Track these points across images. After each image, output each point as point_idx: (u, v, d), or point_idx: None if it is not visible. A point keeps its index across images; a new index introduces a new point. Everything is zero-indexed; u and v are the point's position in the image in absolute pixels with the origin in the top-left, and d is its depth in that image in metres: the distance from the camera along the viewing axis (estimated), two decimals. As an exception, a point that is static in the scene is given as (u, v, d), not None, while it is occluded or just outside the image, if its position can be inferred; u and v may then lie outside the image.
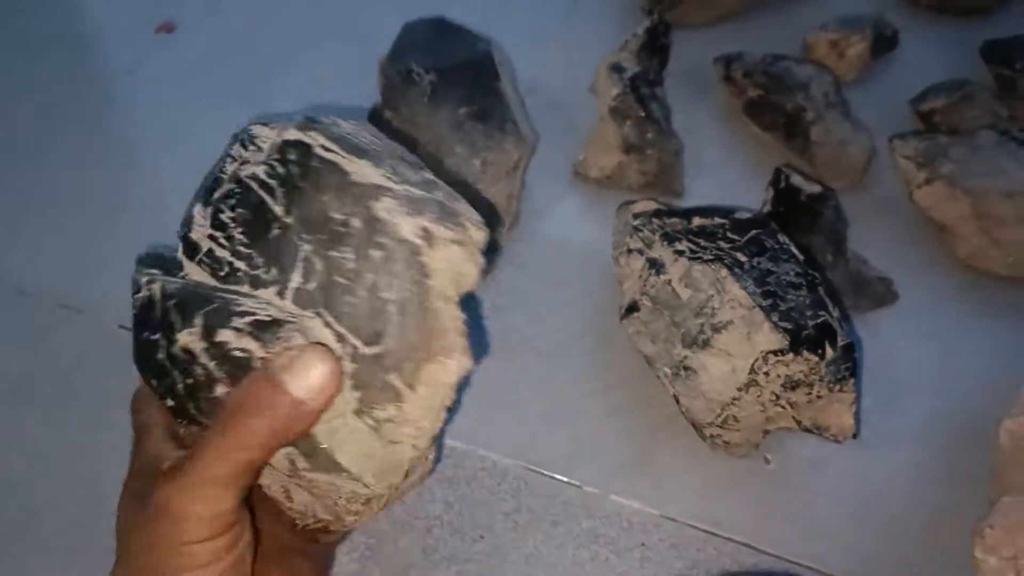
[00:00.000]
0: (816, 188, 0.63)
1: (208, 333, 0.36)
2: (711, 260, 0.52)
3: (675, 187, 0.69)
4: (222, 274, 0.37)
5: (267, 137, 0.39)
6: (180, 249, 0.39)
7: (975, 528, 0.48)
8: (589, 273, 0.65)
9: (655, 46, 0.70)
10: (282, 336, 0.35)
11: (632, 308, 0.57)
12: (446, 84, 0.62)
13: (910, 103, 0.75)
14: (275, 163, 0.38)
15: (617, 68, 0.67)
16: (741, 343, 0.50)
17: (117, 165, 0.75)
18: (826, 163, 0.69)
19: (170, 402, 0.37)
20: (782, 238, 0.54)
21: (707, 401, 0.52)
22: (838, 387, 0.50)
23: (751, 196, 0.68)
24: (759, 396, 0.50)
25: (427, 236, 0.36)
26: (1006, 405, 0.56)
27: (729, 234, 0.55)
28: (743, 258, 0.52)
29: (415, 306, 0.36)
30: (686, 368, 0.53)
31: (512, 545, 0.53)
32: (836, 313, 0.51)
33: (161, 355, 0.36)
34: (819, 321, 0.50)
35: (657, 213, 0.59)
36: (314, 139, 0.38)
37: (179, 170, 0.68)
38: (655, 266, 0.55)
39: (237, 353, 0.35)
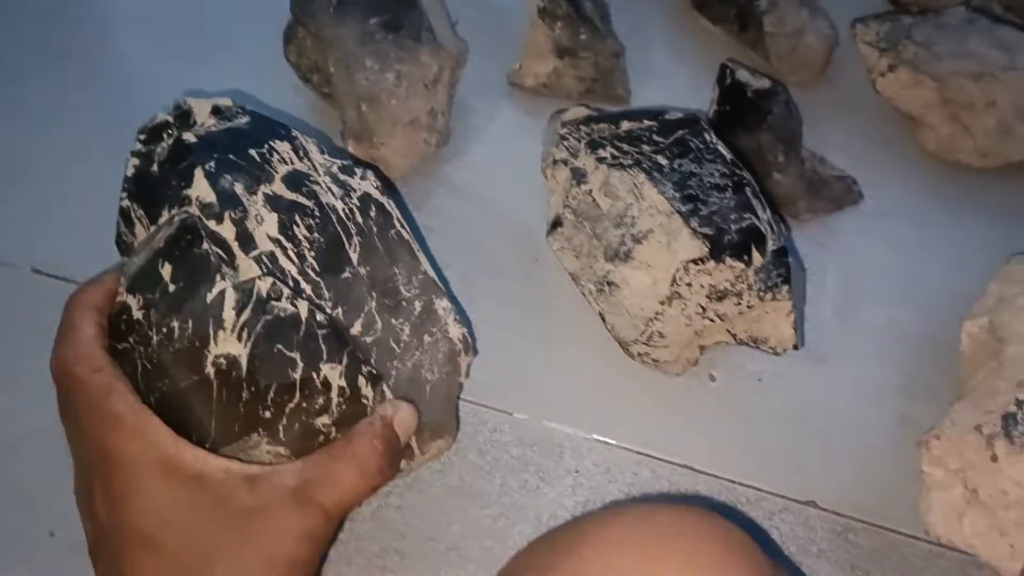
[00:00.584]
0: (764, 83, 0.58)
1: (350, 374, 0.41)
2: (630, 165, 0.48)
3: (618, 92, 0.64)
4: (271, 281, 0.40)
5: (312, 151, 0.45)
6: (216, 225, 0.41)
7: (921, 439, 0.44)
8: (523, 189, 0.60)
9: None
10: (383, 390, 0.42)
11: (556, 223, 0.53)
12: (352, -9, 0.57)
13: (878, -17, 0.68)
14: (356, 210, 0.44)
15: (543, -36, 0.62)
16: (661, 253, 0.46)
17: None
18: (782, 55, 0.64)
19: (267, 413, 0.39)
20: (710, 137, 0.49)
21: (631, 317, 0.48)
22: (770, 295, 0.46)
23: (703, 96, 0.63)
24: (684, 309, 0.46)
25: (464, 344, 0.46)
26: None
27: (655, 136, 0.50)
28: (663, 161, 0.48)
29: (443, 392, 0.45)
30: (609, 283, 0.49)
31: (434, 477, 0.51)
32: (766, 215, 0.47)
33: (295, 375, 0.39)
34: (744, 225, 0.45)
35: (587, 120, 0.54)
36: (393, 209, 0.46)
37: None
38: (577, 176, 0.51)
39: (363, 400, 0.41)
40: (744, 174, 0.48)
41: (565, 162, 0.52)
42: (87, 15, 0.72)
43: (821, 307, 0.57)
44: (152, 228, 0.43)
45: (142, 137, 0.45)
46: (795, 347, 0.48)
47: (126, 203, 0.44)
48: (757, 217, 0.46)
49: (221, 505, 0.37)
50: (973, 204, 0.60)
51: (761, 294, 0.45)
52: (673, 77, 0.67)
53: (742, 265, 0.45)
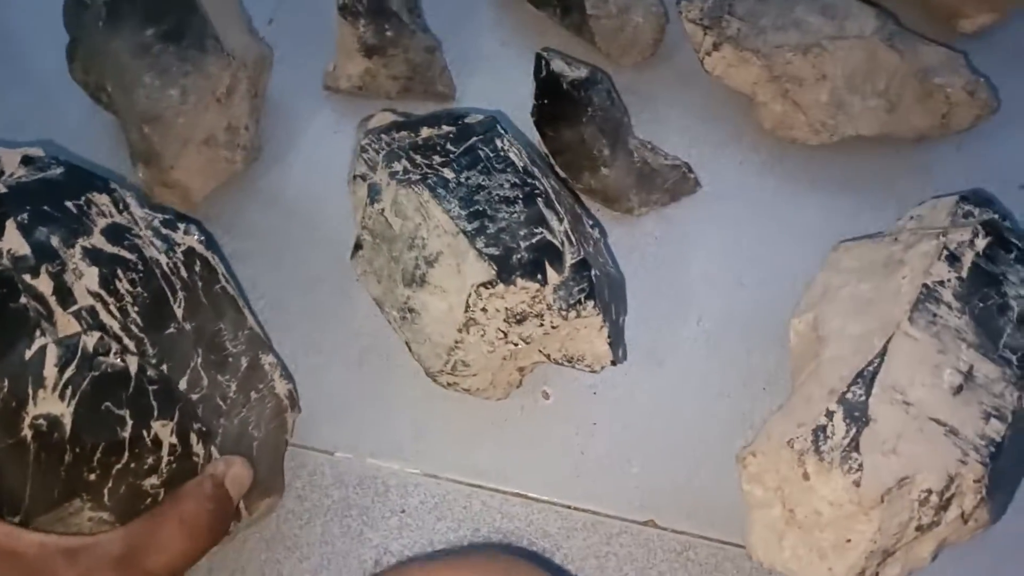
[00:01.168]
0: (581, 72, 0.54)
1: (181, 431, 0.40)
2: (416, 181, 0.44)
3: (439, 89, 0.60)
4: (98, 335, 0.38)
5: (141, 217, 0.44)
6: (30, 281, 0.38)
7: (739, 455, 0.42)
8: (340, 202, 0.56)
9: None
10: (213, 448, 0.41)
11: (357, 246, 0.49)
12: (123, 1, 0.52)
13: (708, -48, 0.65)
14: (180, 264, 0.43)
15: (342, -42, 0.57)
16: (452, 277, 0.42)
17: None
18: (608, 38, 0.60)
19: (91, 476, 0.37)
20: (501, 143, 0.46)
21: (433, 346, 0.45)
22: (573, 313, 0.42)
23: (532, 87, 0.59)
24: (483, 335, 0.43)
25: (291, 399, 0.46)
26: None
27: (448, 146, 0.46)
28: (450, 175, 0.44)
29: (270, 449, 0.45)
30: (410, 310, 0.45)
31: (248, 530, 0.47)
32: (563, 226, 0.43)
33: (124, 433, 0.38)
34: (535, 240, 0.42)
35: (390, 127, 0.50)
36: (218, 264, 0.45)
37: None
38: (372, 193, 0.47)
39: (194, 457, 0.40)
40: (538, 183, 0.44)
41: (364, 177, 0.48)
42: None
43: (657, 306, 0.54)
44: None
45: None
46: (613, 363, 0.45)
47: None
48: (550, 230, 0.42)
49: None
50: (811, 183, 0.58)
51: (564, 313, 0.42)
52: (501, 68, 0.63)
53: (536, 285, 0.41)
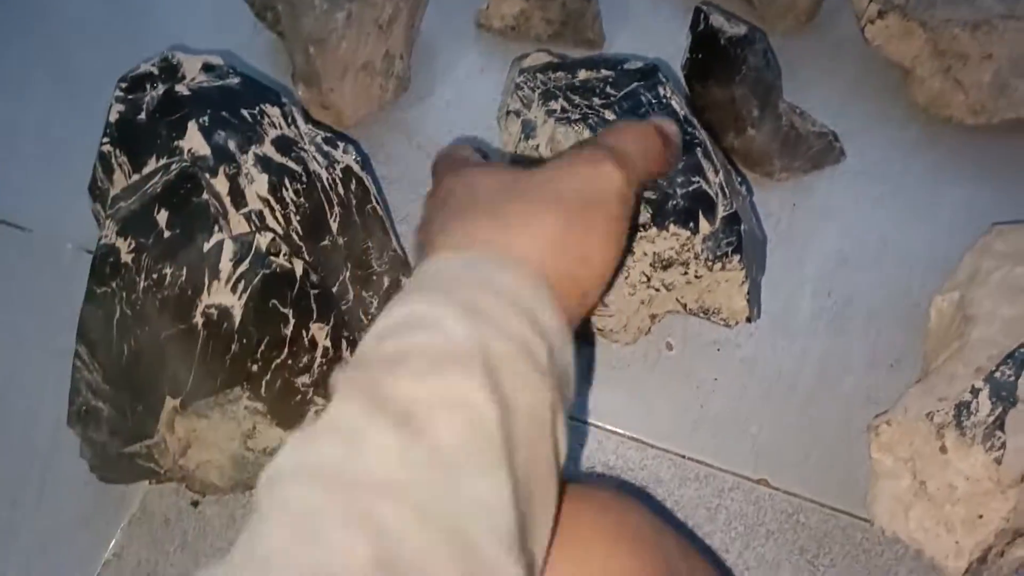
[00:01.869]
0: (740, 29, 0.54)
1: (335, 336, 0.42)
2: (577, 120, 0.45)
3: (589, 36, 0.60)
4: (271, 236, 0.40)
5: (307, 133, 0.46)
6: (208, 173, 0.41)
7: (871, 424, 0.42)
8: (486, 137, 0.57)
9: None
10: None
11: (507, 177, 0.50)
12: (301, -76, 0.54)
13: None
14: (338, 180, 0.45)
15: None
16: (604, 217, 0.43)
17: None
18: (767, 0, 0.59)
19: (254, 367, 0.40)
20: (663, 91, 0.46)
21: (574, 284, 0.46)
22: (719, 265, 0.43)
23: (681, 42, 0.59)
24: (627, 278, 0.44)
25: None
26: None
27: (608, 89, 0.47)
28: (611, 116, 0.45)
29: None
30: (554, 247, 0.46)
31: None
32: (718, 178, 0.43)
33: (286, 331, 0.41)
34: (691, 189, 0.42)
35: (546, 67, 0.50)
36: (371, 185, 0.46)
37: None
38: (527, 129, 0.48)
39: (344, 362, 0.42)
40: (697, 132, 0.44)
41: (518, 113, 0.49)
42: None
43: (790, 273, 0.54)
44: (135, 176, 0.43)
45: (124, 85, 0.45)
46: (748, 320, 0.45)
47: (107, 148, 0.44)
48: (707, 181, 0.42)
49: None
50: (962, 164, 0.56)
51: (709, 264, 0.42)
52: (651, 21, 0.63)
53: (688, 233, 0.42)
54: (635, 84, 0.46)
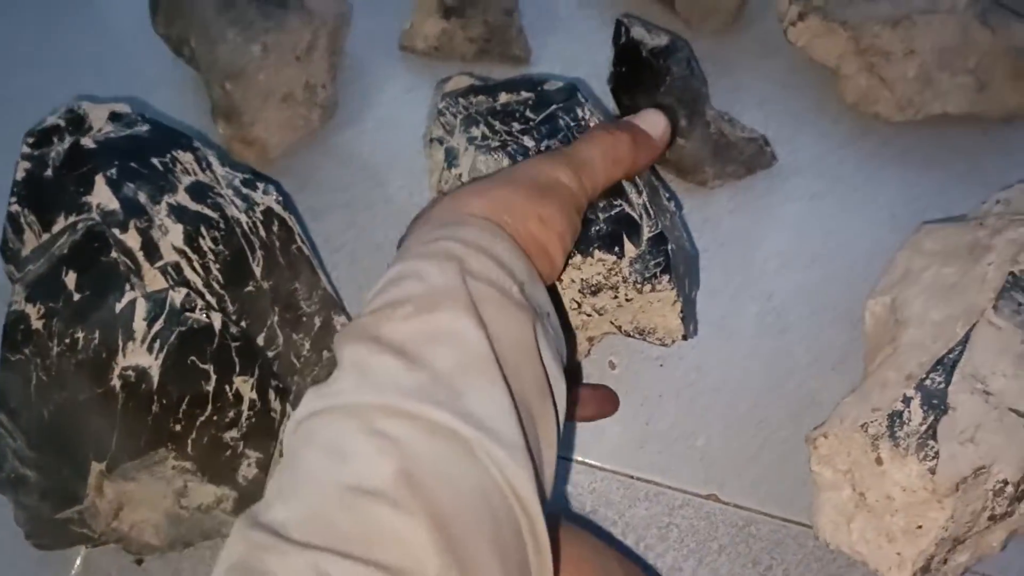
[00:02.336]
0: (662, 40, 0.53)
1: (261, 387, 0.41)
2: (496, 148, 0.44)
3: (514, 52, 0.59)
4: (185, 291, 0.39)
5: (222, 175, 0.45)
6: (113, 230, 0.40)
7: (808, 436, 0.42)
8: (416, 162, 0.56)
9: None
10: (288, 403, 0.44)
11: (431, 208, 0.49)
12: (209, -44, 0.52)
13: (795, -83, 0.63)
14: (259, 223, 0.44)
15: (423, -85, 0.56)
16: (530, 246, 0.42)
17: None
18: (689, 4, 0.59)
19: (176, 427, 0.40)
20: (583, 112, 0.45)
21: (507, 313, 0.45)
22: (649, 287, 0.42)
23: (609, 54, 0.58)
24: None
25: None
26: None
27: (528, 113, 0.46)
28: (530, 143, 0.44)
29: None
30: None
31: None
32: (641, 198, 0.43)
33: (208, 387, 0.40)
34: (614, 213, 0.42)
35: (468, 91, 0.50)
36: (294, 224, 0.46)
37: None
38: (449, 157, 0.47)
39: (272, 413, 0.42)
40: None
41: (441, 141, 0.48)
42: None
43: (730, 280, 0.53)
44: (45, 235, 0.41)
45: (30, 140, 0.43)
46: (684, 337, 0.45)
47: (15, 208, 0.42)
48: (629, 203, 0.42)
49: None
50: (894, 160, 0.56)
51: (639, 286, 0.42)
52: (577, 33, 0.62)
53: (614, 258, 0.41)
54: (553, 107, 0.45)
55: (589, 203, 0.39)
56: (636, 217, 0.42)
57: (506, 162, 0.43)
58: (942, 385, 0.38)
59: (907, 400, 0.38)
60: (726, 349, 0.52)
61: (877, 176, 0.56)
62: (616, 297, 0.43)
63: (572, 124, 0.45)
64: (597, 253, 0.41)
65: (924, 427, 0.38)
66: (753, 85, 0.60)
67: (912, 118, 0.55)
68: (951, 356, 0.39)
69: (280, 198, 0.46)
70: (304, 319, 0.46)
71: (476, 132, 0.46)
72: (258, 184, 0.46)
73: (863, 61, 0.55)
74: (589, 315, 0.44)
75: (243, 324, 0.42)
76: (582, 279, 0.42)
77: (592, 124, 0.45)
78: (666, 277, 0.42)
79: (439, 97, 0.50)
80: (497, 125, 0.45)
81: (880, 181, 0.56)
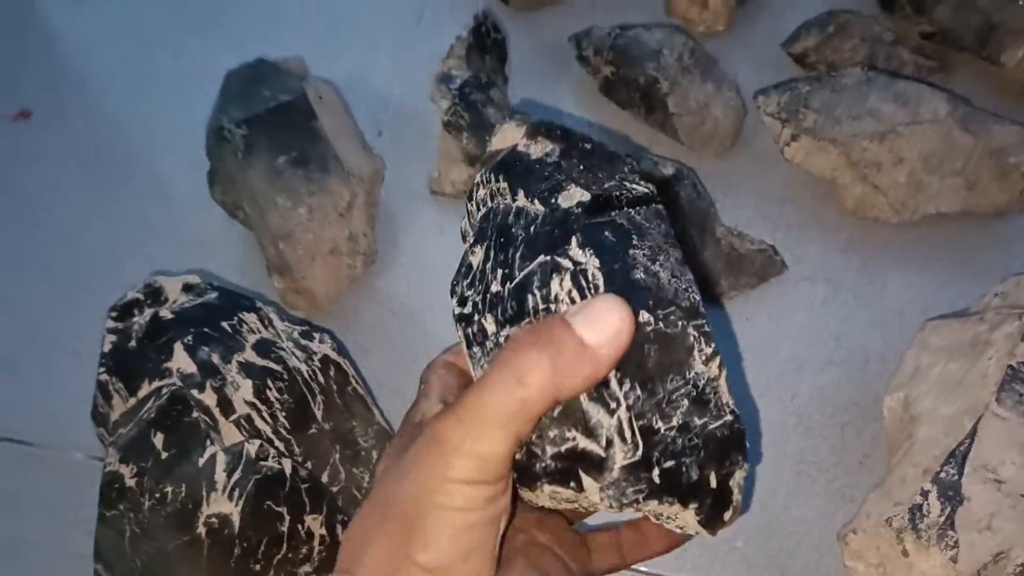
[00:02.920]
0: (668, 170, 0.59)
1: (329, 523, 0.46)
2: (467, 317, 0.43)
3: (535, 188, 0.65)
4: (259, 443, 0.44)
5: (294, 336, 0.51)
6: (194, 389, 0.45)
7: (840, 532, 0.44)
8: (448, 301, 0.61)
9: (485, 44, 0.65)
10: None
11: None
12: (258, 134, 0.59)
13: (781, 46, 0.69)
14: (318, 371, 0.49)
15: (445, 78, 0.63)
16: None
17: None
18: (690, 132, 0.64)
19: (256, 566, 0.44)
20: (560, 285, 0.31)
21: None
22: (631, 509, 0.32)
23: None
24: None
25: None
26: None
27: (517, 254, 0.42)
28: (491, 326, 0.35)
29: None
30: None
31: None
32: (618, 416, 0.31)
33: (283, 527, 0.45)
34: (563, 449, 0.31)
35: (504, 163, 0.47)
36: (348, 368, 0.51)
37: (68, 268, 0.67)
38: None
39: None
40: None
41: (463, 235, 0.49)
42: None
43: (753, 384, 0.57)
44: (131, 399, 0.47)
45: (114, 315, 0.49)
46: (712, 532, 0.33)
47: (104, 377, 0.48)
48: (590, 430, 0.31)
49: None
50: (895, 261, 0.60)
51: (618, 507, 0.32)
52: (590, 164, 0.68)
53: (571, 492, 0.32)
54: (541, 259, 0.33)
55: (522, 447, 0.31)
56: (598, 450, 0.31)
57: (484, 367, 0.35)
58: (955, 477, 0.41)
59: (925, 493, 0.41)
60: (755, 451, 0.55)
61: (881, 277, 0.60)
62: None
63: (541, 307, 0.32)
64: (547, 487, 0.33)
65: (943, 518, 0.40)
66: (757, 201, 0.64)
67: (909, 219, 0.59)
68: (961, 449, 0.42)
69: (335, 345, 0.51)
70: (362, 453, 0.50)
71: (474, 259, 0.37)
72: (315, 335, 0.51)
73: (856, 172, 0.59)
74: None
75: (309, 465, 0.47)
76: (541, 505, 0.34)
77: (562, 308, 0.32)
78: (653, 502, 0.32)
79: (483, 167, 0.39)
80: (485, 270, 0.36)
81: (885, 281, 0.59)
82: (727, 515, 0.34)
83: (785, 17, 0.71)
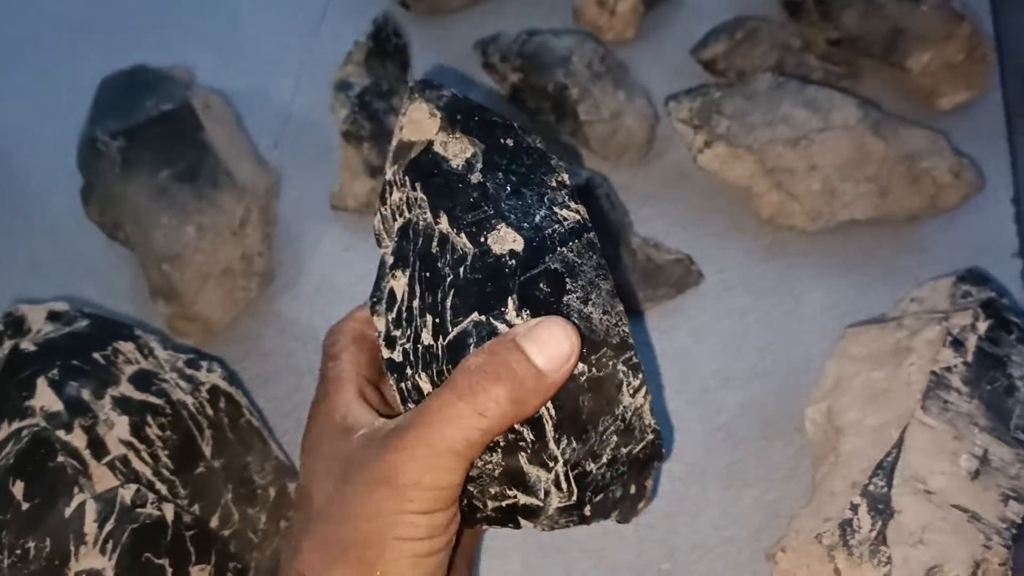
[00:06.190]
0: (580, 179, 0.57)
1: (218, 572, 0.42)
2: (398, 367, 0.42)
3: (443, 201, 0.62)
4: (135, 487, 0.39)
5: (166, 360, 0.45)
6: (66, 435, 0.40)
7: (769, 552, 0.42)
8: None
9: (385, 50, 0.62)
10: None
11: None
12: (138, 147, 0.54)
13: (691, 53, 0.68)
14: (206, 403, 0.45)
15: (343, 86, 0.59)
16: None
17: None
18: (602, 141, 0.62)
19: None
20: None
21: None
22: (560, 529, 0.36)
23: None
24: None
25: None
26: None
27: (444, 299, 0.38)
28: (426, 384, 0.36)
29: None
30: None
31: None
32: (554, 471, 0.34)
33: None
34: (504, 504, 0.34)
35: (420, 168, 0.36)
36: (241, 398, 0.47)
37: None
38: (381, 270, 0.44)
39: None
40: (525, 431, 0.33)
41: (377, 240, 0.44)
42: None
43: (672, 401, 0.55)
44: None
45: None
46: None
47: None
48: (530, 489, 0.34)
49: None
50: (813, 268, 0.59)
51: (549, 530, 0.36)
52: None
53: (508, 528, 0.36)
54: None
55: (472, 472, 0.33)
56: (536, 502, 0.34)
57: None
58: (885, 489, 0.40)
59: (855, 507, 0.40)
60: (680, 469, 0.52)
61: (800, 285, 0.59)
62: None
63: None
64: (486, 525, 0.36)
65: (874, 533, 0.39)
66: (674, 210, 0.62)
67: (825, 227, 0.59)
68: (889, 460, 0.40)
69: (225, 373, 0.47)
70: (259, 491, 0.46)
71: (397, 287, 0.36)
72: (202, 363, 0.46)
73: (771, 179, 0.58)
74: None
75: (196, 508, 0.42)
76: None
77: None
78: (582, 525, 0.36)
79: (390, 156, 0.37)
80: (412, 308, 0.35)
81: (804, 290, 0.58)
82: (641, 506, 0.38)
83: (693, 24, 0.70)
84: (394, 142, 0.37)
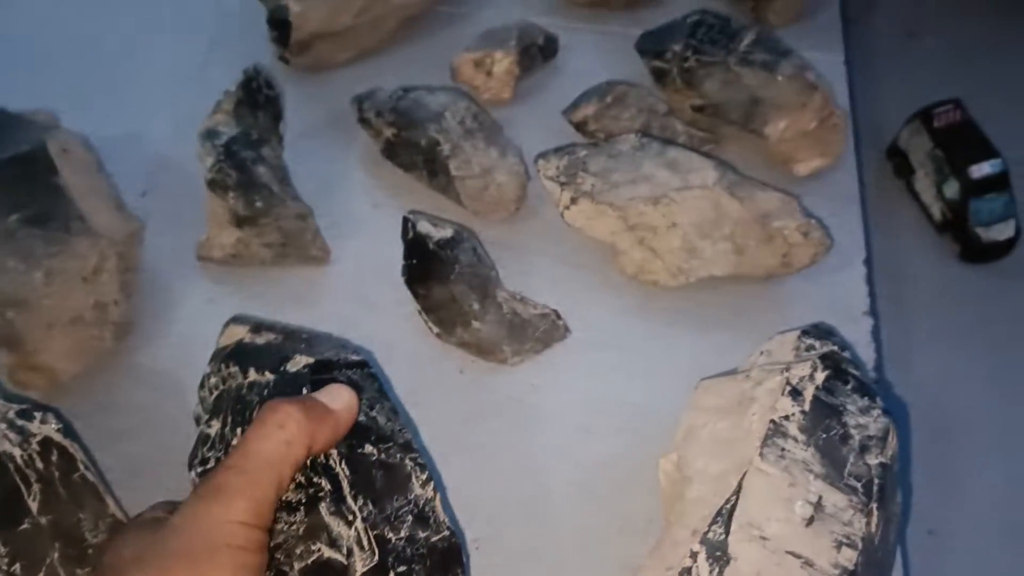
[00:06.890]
0: (447, 232, 0.57)
1: None
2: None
3: (312, 253, 0.61)
4: None
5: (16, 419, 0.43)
6: None
7: (615, 606, 0.42)
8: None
9: (257, 100, 0.62)
10: None
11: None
12: (-15, 190, 0.52)
13: (563, 114, 0.70)
14: (35, 456, 0.43)
15: (210, 134, 0.59)
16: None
17: None
18: (473, 197, 0.63)
19: None
20: None
21: None
22: None
23: (401, 248, 0.61)
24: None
25: None
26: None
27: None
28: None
29: None
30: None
31: None
32: (355, 527, 0.38)
33: None
34: (311, 561, 0.37)
35: (229, 356, 0.46)
36: (76, 451, 0.45)
37: None
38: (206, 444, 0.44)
39: None
40: (323, 481, 0.38)
41: (197, 420, 0.47)
42: None
43: (537, 454, 0.55)
44: None
45: None
46: None
47: None
48: (332, 540, 0.37)
49: None
50: (675, 324, 0.60)
51: None
52: (373, 229, 0.65)
53: None
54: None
55: (279, 497, 0.37)
56: (341, 558, 0.37)
57: None
58: (723, 536, 0.40)
59: (694, 555, 0.40)
60: (535, 524, 0.52)
61: (664, 340, 0.60)
62: None
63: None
64: None
65: (712, 581, 0.39)
66: (543, 266, 0.63)
67: (685, 283, 0.60)
68: (728, 507, 0.41)
69: (60, 426, 0.45)
70: (90, 551, 0.43)
71: (212, 428, 0.43)
72: (35, 414, 0.44)
73: (634, 236, 0.60)
74: None
75: (17, 568, 0.40)
76: None
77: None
78: None
79: (210, 358, 0.47)
80: (228, 427, 0.42)
81: (667, 345, 0.60)
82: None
83: (567, 88, 0.72)
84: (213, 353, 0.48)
